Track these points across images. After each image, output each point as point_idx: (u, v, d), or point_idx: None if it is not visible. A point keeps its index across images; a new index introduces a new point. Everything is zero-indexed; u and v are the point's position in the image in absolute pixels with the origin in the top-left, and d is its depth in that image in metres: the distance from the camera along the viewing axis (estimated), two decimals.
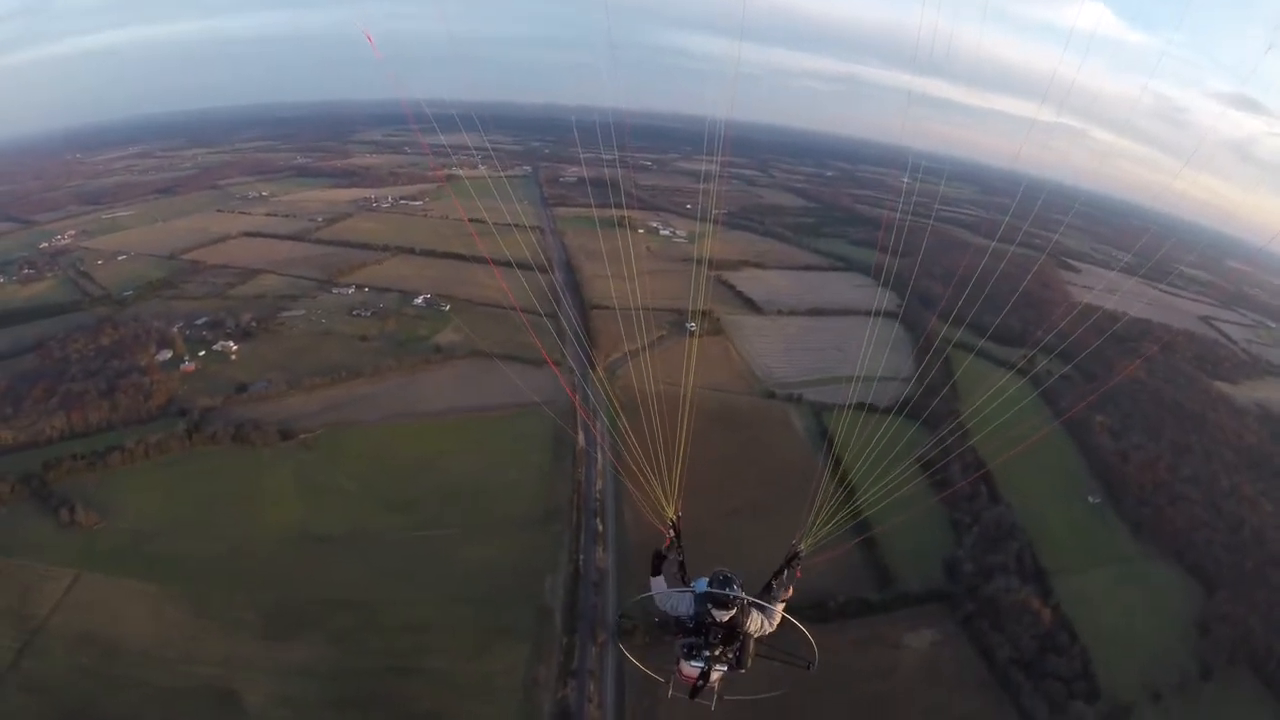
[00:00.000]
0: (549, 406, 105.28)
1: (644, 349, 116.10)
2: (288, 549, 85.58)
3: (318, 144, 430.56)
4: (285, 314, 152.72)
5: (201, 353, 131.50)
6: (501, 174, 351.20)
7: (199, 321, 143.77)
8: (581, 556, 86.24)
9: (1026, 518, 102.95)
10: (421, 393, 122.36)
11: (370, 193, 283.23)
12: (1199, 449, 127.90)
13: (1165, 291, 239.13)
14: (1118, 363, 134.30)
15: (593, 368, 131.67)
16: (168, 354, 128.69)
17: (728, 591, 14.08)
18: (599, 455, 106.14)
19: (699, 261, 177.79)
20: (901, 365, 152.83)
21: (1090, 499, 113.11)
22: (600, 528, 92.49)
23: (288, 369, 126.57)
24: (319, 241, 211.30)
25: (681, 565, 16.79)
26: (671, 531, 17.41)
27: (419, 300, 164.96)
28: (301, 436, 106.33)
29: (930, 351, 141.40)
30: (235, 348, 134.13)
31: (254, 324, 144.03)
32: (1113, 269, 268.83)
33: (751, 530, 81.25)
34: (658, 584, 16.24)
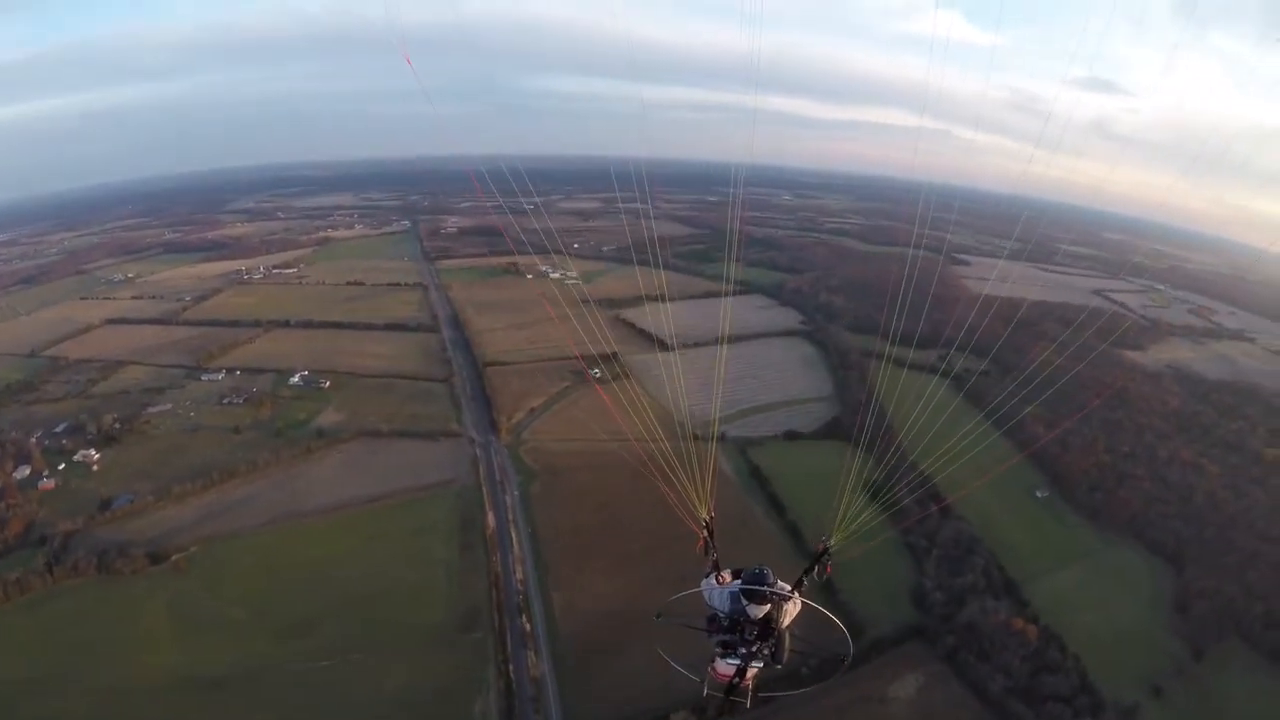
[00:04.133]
0: (451, 485, 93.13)
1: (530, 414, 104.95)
2: (168, 700, 71.71)
3: (188, 217, 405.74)
4: (151, 410, 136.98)
5: (61, 465, 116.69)
6: (380, 231, 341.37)
7: (58, 429, 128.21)
8: (511, 666, 74.02)
9: (982, 528, 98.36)
10: (306, 487, 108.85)
11: (242, 264, 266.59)
12: (1129, 423, 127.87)
13: (1053, 270, 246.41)
14: (1029, 349, 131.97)
15: (495, 433, 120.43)
16: (25, 470, 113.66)
17: (763, 587, 13.77)
18: (514, 537, 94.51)
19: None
20: (820, 384, 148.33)
21: (1038, 494, 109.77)
22: (527, 627, 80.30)
23: (154, 476, 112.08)
24: (187, 323, 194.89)
25: (715, 565, 16.16)
26: (705, 532, 17.46)
27: (295, 379, 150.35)
28: (174, 558, 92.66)
29: (845, 367, 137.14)
30: (97, 456, 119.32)
31: (117, 425, 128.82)
32: (1001, 257, 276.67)
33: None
34: (708, 582, 15.62)
